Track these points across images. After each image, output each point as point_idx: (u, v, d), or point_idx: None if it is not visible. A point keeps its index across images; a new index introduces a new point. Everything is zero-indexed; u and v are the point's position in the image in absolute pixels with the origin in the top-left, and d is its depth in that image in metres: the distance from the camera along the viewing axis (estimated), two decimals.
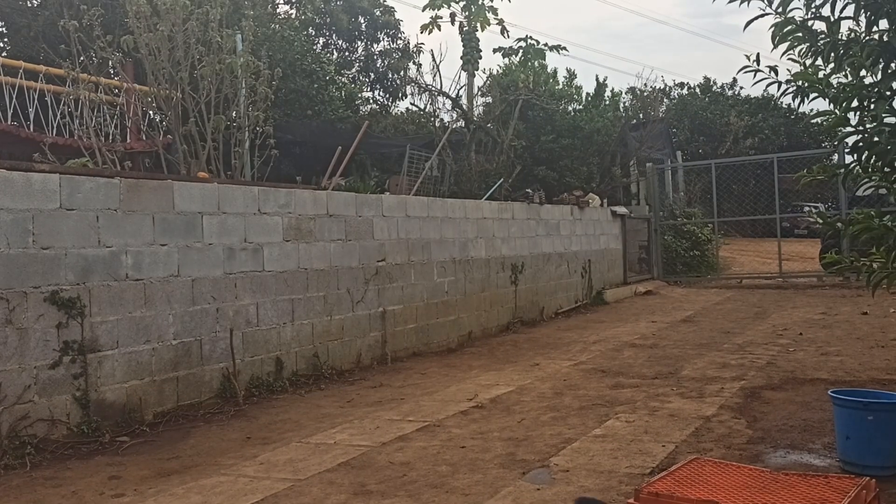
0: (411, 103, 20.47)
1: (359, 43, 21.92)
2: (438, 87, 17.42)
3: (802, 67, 4.62)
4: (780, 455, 4.71)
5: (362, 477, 4.57)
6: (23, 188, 5.35)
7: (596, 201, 15.28)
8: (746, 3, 4.57)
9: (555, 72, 21.24)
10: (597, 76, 41.20)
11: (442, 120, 17.89)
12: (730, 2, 4.73)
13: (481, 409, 6.23)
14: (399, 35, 22.12)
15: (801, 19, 4.51)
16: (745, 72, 4.75)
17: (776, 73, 4.74)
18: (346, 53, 21.81)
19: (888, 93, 4.33)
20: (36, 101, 10.37)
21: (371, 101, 21.23)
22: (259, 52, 11.24)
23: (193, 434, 5.79)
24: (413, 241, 9.36)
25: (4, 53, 15.26)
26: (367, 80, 21.56)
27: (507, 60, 21.27)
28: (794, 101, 4.73)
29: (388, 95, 22.01)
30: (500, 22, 20.75)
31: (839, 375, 6.95)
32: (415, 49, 21.82)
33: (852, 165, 4.64)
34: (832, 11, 4.41)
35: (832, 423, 4.68)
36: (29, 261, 5.34)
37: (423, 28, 21.29)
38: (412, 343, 9.22)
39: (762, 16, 4.56)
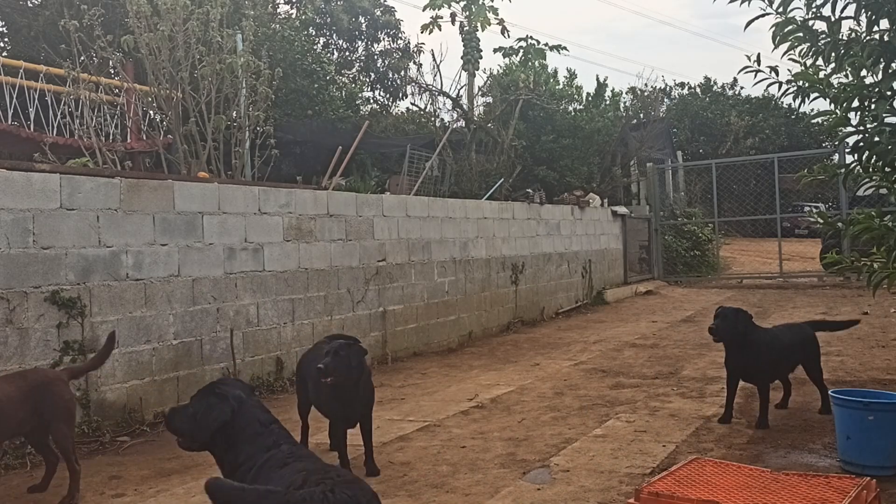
0: (412, 103, 20.50)
1: (359, 43, 21.90)
2: (439, 87, 17.46)
3: (803, 67, 4.62)
4: (781, 455, 4.71)
5: (363, 477, 4.57)
6: (23, 188, 5.35)
7: (596, 201, 15.28)
8: (747, 2, 4.57)
9: (555, 72, 21.26)
10: (597, 76, 41.23)
11: (442, 120, 17.91)
12: (730, 1, 4.73)
13: (482, 409, 6.23)
14: (399, 35, 22.10)
15: (801, 19, 4.51)
16: (746, 72, 4.75)
17: (777, 74, 4.74)
18: (347, 53, 21.79)
19: (889, 93, 4.33)
20: (36, 100, 10.38)
21: (371, 100, 21.22)
22: (259, 52, 11.23)
23: None
24: (413, 241, 9.36)
25: (5, 53, 15.26)
26: (367, 79, 21.53)
27: (507, 60, 21.26)
28: (794, 101, 4.73)
29: (388, 95, 21.99)
30: (501, 22, 20.73)
31: (840, 375, 6.95)
32: (415, 49, 21.78)
33: (853, 165, 4.64)
34: (833, 11, 4.42)
35: (832, 423, 4.68)
36: (29, 261, 5.34)
37: (424, 28, 21.28)
38: (412, 343, 9.22)
39: (763, 16, 4.56)
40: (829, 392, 4.63)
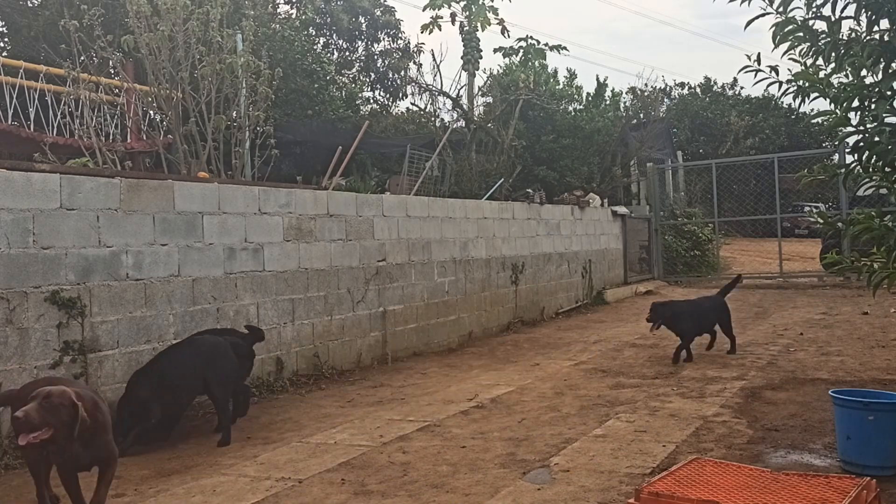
0: (412, 103, 20.52)
1: (359, 43, 21.91)
2: (439, 87, 17.47)
3: (803, 67, 4.62)
4: (781, 455, 4.71)
5: (363, 477, 4.57)
6: (23, 188, 5.35)
7: (596, 201, 15.28)
8: (747, 2, 4.57)
9: (555, 72, 21.27)
10: (597, 76, 41.27)
11: (442, 120, 17.93)
12: (730, 1, 4.73)
13: (482, 409, 6.23)
14: (399, 35, 22.11)
15: (801, 19, 4.51)
16: (746, 72, 4.75)
17: (777, 73, 4.74)
18: (347, 53, 21.80)
19: (889, 92, 4.33)
20: (36, 100, 10.38)
21: (371, 100, 21.23)
22: (259, 52, 11.23)
23: (193, 434, 5.80)
24: (413, 241, 9.36)
25: (5, 53, 15.27)
26: (367, 79, 21.54)
27: (507, 60, 21.27)
28: (794, 100, 4.73)
29: (388, 95, 22.00)
30: (501, 22, 20.73)
31: (840, 375, 6.95)
32: (415, 49, 21.79)
33: (853, 165, 4.64)
34: (833, 11, 4.42)
35: (833, 423, 4.68)
36: (29, 261, 5.34)
37: (424, 28, 21.27)
38: (412, 343, 9.22)
39: (763, 15, 4.56)
40: (830, 392, 4.63)
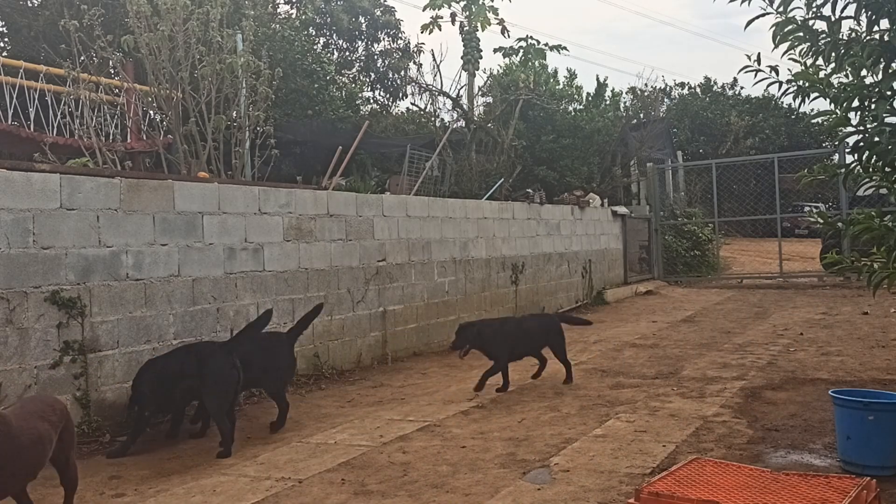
0: (412, 103, 20.53)
1: (359, 43, 21.92)
2: (439, 87, 17.48)
3: (803, 67, 4.62)
4: (781, 455, 4.71)
5: (363, 477, 4.57)
6: (23, 188, 5.35)
7: (596, 201, 15.28)
8: (747, 2, 4.57)
9: (555, 72, 21.29)
10: (597, 76, 41.29)
11: (442, 120, 17.93)
12: (731, 1, 4.73)
13: (482, 409, 6.23)
14: (399, 35, 22.12)
15: (801, 19, 4.52)
16: (746, 72, 4.76)
17: (777, 73, 4.74)
18: (347, 53, 21.80)
19: (889, 93, 4.33)
20: (36, 100, 10.38)
21: (371, 100, 21.24)
22: (259, 52, 11.23)
23: (194, 434, 5.79)
24: (413, 241, 9.36)
25: (5, 53, 15.26)
26: (367, 79, 21.55)
27: (507, 60, 21.28)
28: (794, 100, 4.73)
29: (388, 95, 22.01)
30: (501, 22, 20.75)
31: (840, 375, 6.95)
32: (415, 49, 21.80)
33: (853, 165, 4.65)
34: (833, 11, 4.42)
35: (833, 423, 4.68)
36: (29, 261, 5.34)
37: (424, 28, 21.29)
38: (413, 343, 9.22)
39: (763, 15, 4.56)
40: (830, 392, 4.63)
